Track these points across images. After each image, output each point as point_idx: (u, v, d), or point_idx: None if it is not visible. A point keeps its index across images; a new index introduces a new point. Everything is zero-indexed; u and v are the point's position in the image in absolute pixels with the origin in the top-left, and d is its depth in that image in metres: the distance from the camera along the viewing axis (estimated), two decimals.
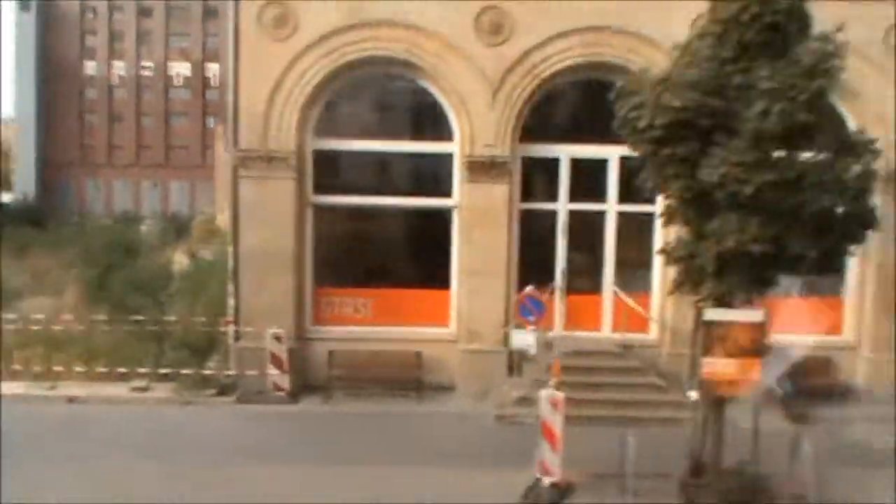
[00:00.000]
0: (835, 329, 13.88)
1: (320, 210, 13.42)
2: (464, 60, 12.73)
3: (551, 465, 9.43)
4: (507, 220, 13.11)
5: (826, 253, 8.98)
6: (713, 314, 9.15)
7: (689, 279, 9.29)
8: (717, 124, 8.49)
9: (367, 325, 13.44)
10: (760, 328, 9.15)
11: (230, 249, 13.14)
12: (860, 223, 9.03)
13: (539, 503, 9.27)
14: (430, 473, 10.04)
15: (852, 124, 13.39)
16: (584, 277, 13.70)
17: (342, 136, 13.44)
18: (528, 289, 9.42)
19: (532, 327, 9.43)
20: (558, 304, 13.59)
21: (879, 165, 13.03)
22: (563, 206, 13.49)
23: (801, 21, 8.51)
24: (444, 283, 13.39)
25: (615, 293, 13.49)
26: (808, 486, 9.36)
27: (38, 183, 59.66)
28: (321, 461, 10.32)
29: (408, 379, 13.05)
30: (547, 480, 9.42)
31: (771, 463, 9.64)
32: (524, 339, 9.44)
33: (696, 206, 8.87)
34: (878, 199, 13.21)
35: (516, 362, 13.18)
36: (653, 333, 13.54)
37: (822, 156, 8.87)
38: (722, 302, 9.13)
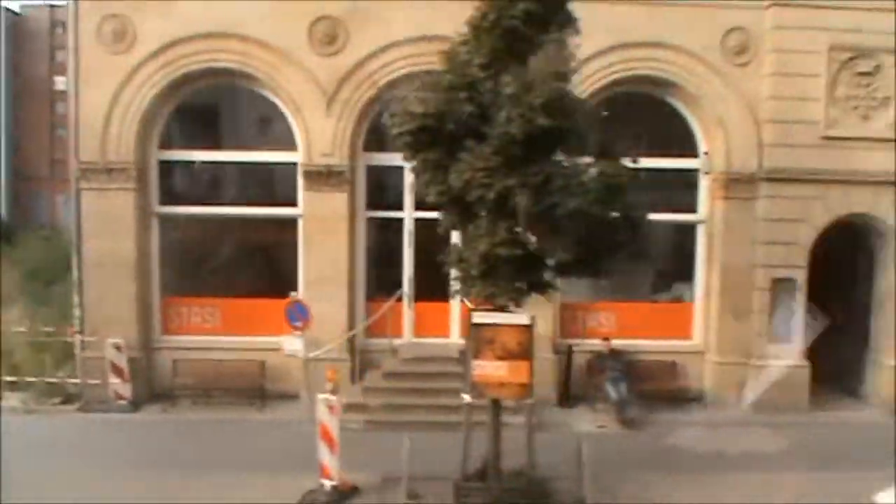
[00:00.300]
0: (685, 333, 13.93)
1: (167, 220, 13.55)
2: (299, 70, 12.85)
3: (331, 468, 9.53)
4: (349, 229, 13.21)
5: (587, 256, 9.07)
6: (480, 317, 9.26)
7: (461, 283, 9.39)
8: (467, 130, 8.60)
9: (215, 335, 13.51)
10: (527, 331, 9.23)
11: (74, 260, 13.27)
12: (625, 227, 9.11)
13: None
14: (230, 479, 10.12)
15: (695, 127, 13.68)
16: (432, 285, 13.69)
17: (188, 146, 13.58)
18: (293, 295, 9.53)
19: (299, 332, 9.53)
20: (406, 311, 13.70)
21: (718, 168, 13.40)
22: (408, 215, 13.56)
23: (545, 24, 8.55)
24: (289, 291, 13.43)
25: (462, 301, 13.54)
26: (586, 489, 9.41)
27: (8, 197, 59.94)
28: (130, 468, 10.40)
29: (252, 388, 13.13)
30: (328, 484, 9.51)
31: (573, 467, 9.73)
32: (292, 344, 9.54)
33: (456, 211, 8.99)
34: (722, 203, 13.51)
35: (357, 370, 13.35)
36: None
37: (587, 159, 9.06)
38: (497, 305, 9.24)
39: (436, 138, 8.55)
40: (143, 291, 13.26)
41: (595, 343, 13.52)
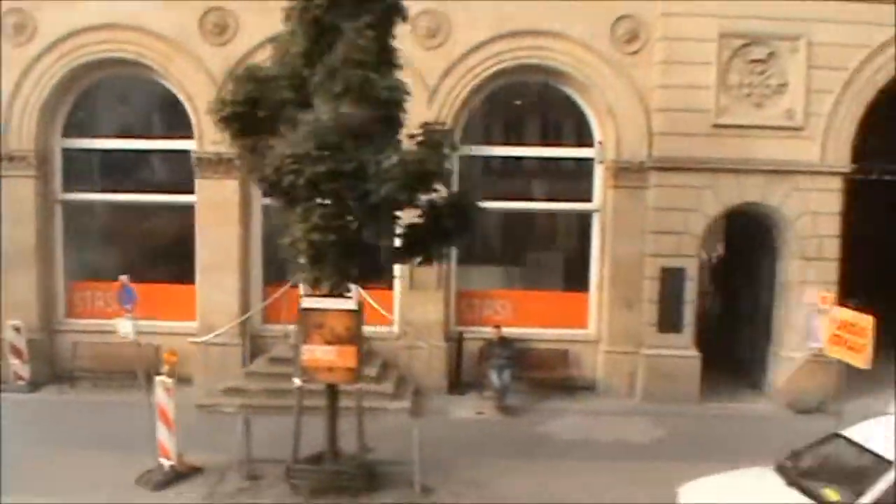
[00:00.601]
0: (580, 322, 13.93)
1: (71, 207, 13.92)
2: (191, 60, 13.08)
3: (168, 448, 9.78)
4: (241, 215, 13.43)
5: (415, 243, 9.19)
6: (308, 302, 9.43)
7: (295, 267, 9.57)
8: (282, 117, 8.74)
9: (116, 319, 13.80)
10: (355, 316, 9.37)
11: None
12: (455, 214, 9.20)
13: (150, 484, 9.61)
14: (87, 456, 10.43)
15: (590, 116, 13.64)
16: None
17: (93, 135, 13.88)
18: (122, 278, 9.75)
19: (129, 315, 9.77)
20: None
21: (609, 156, 13.34)
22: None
23: (356, 13, 8.60)
24: (189, 278, 13.74)
25: (357, 290, 13.68)
26: (416, 472, 9.54)
27: None
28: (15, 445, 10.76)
29: (147, 371, 13.39)
30: (166, 463, 9.76)
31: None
32: (125, 327, 9.79)
33: (279, 197, 9.14)
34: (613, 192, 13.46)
35: (248, 354, 13.60)
36: (396, 327, 13.72)
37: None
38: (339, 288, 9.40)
39: (250, 125, 8.72)
40: (45, 276, 13.65)
41: (489, 331, 13.59)
